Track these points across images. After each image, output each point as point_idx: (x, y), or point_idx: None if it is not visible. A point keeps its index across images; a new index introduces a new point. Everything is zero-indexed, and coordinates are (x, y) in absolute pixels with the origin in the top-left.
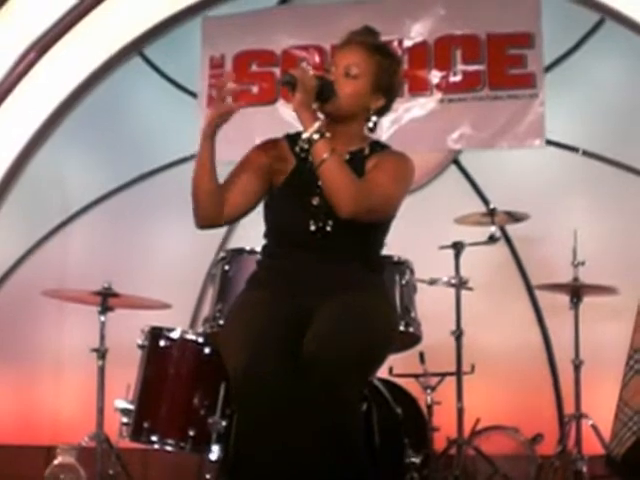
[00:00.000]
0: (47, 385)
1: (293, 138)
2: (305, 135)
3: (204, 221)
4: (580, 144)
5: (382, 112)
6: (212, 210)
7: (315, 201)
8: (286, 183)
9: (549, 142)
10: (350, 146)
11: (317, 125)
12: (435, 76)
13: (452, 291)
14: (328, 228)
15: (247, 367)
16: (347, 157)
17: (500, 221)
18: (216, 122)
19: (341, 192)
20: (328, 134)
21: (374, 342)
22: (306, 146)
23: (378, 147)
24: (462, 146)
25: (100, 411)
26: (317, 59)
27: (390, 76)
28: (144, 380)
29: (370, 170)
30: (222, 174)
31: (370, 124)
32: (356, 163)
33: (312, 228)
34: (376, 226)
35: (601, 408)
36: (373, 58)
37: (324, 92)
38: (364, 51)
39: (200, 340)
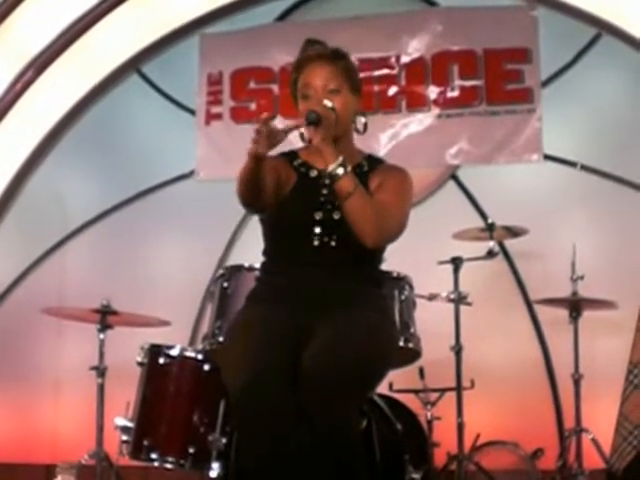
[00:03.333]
0: (46, 403)
1: (289, 155)
2: (329, 169)
3: (248, 206)
4: (578, 158)
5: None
6: (258, 199)
7: (318, 216)
8: (289, 199)
9: (547, 157)
10: (349, 162)
11: (340, 159)
12: (432, 92)
13: (451, 306)
14: (333, 243)
15: (246, 386)
16: None
17: (499, 236)
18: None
19: (367, 224)
20: (349, 167)
21: (373, 359)
22: (327, 181)
23: (375, 162)
24: (460, 161)
25: (100, 429)
26: None
27: (356, 73)
28: (144, 398)
29: (376, 191)
30: (219, 192)
31: (359, 125)
32: (359, 179)
33: (316, 243)
34: None
35: (601, 422)
36: (339, 65)
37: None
38: (330, 63)
39: (199, 357)
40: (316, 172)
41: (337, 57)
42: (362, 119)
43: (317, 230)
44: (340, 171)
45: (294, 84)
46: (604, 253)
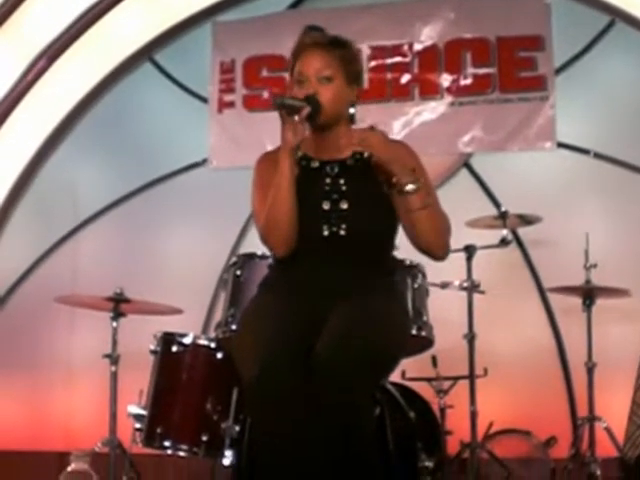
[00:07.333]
0: (60, 391)
1: None
2: (401, 184)
3: (289, 247)
4: (591, 146)
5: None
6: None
7: (326, 205)
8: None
9: (560, 144)
10: (349, 148)
11: (411, 177)
12: (446, 79)
13: (464, 294)
14: (342, 232)
15: (261, 374)
16: (352, 162)
17: (512, 224)
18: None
19: (439, 237)
20: (418, 184)
21: (386, 346)
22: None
23: None
24: (473, 149)
25: (113, 417)
26: None
27: (356, 62)
28: (157, 386)
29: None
30: (231, 180)
31: (350, 113)
32: (362, 167)
33: (325, 233)
34: (390, 230)
35: (614, 410)
36: (336, 53)
37: (315, 111)
38: (325, 51)
39: (212, 345)
40: (317, 163)
41: (333, 45)
42: (351, 110)
43: (325, 220)
44: (410, 187)
45: (292, 71)
46: (617, 241)
